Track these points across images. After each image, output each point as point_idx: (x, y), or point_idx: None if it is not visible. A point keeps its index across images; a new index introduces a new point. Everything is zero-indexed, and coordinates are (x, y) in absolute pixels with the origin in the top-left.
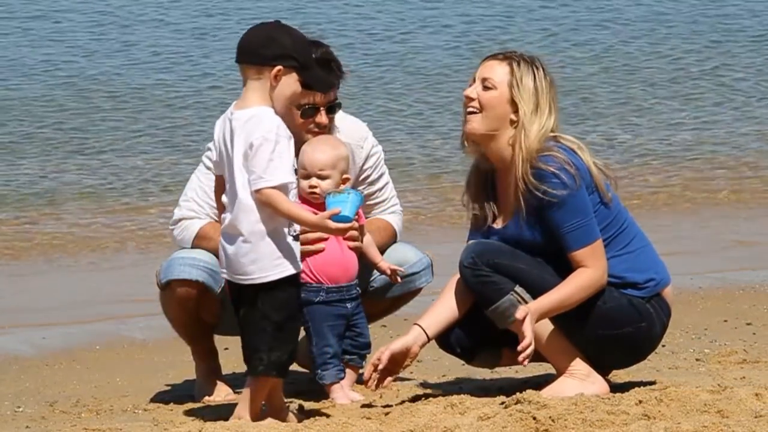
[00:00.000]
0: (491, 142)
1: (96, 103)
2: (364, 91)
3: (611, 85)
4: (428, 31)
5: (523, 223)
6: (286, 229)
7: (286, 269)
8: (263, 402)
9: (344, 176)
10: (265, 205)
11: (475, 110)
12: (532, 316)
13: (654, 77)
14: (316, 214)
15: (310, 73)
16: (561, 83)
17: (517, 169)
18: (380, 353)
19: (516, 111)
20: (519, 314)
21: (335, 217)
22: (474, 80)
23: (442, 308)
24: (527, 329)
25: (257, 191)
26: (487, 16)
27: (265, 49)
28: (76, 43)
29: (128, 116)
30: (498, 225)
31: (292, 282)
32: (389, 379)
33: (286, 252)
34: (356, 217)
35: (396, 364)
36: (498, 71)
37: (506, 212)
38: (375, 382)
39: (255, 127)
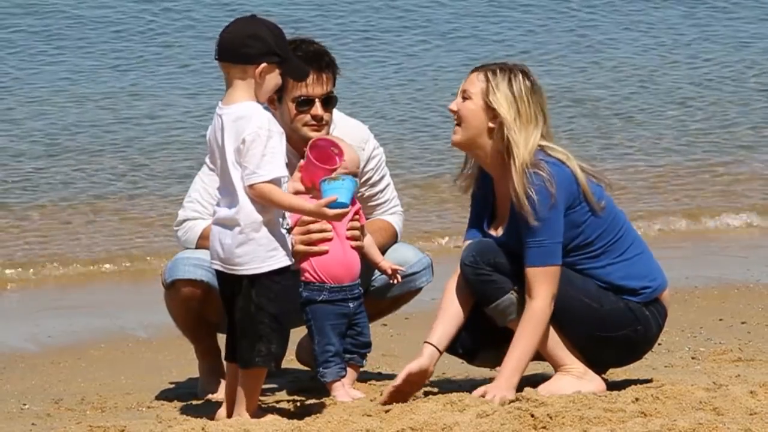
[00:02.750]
0: (476, 151)
1: (98, 107)
2: (364, 92)
3: (617, 94)
4: (434, 34)
5: (517, 233)
6: (280, 221)
7: (279, 261)
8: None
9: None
10: (261, 199)
11: (457, 122)
12: (508, 392)
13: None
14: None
15: (289, 64)
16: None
17: (512, 181)
18: (405, 373)
19: (494, 118)
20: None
21: (332, 204)
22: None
23: (447, 319)
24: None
25: (251, 186)
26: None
27: (248, 48)
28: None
29: (137, 121)
30: (494, 233)
31: (286, 274)
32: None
33: (280, 244)
34: (356, 214)
35: (413, 384)
36: (475, 82)
37: (502, 219)
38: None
39: (246, 123)
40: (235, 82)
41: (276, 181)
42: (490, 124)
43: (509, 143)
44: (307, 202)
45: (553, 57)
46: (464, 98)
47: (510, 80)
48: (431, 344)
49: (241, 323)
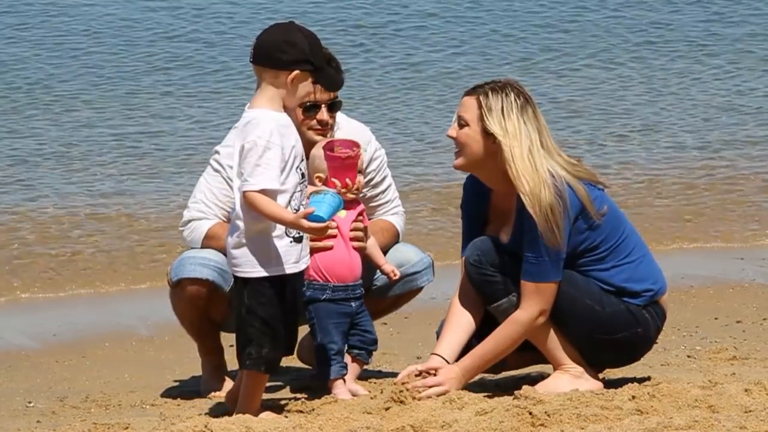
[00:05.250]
0: (480, 172)
1: (103, 109)
2: (367, 95)
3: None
4: (438, 35)
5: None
6: (279, 232)
7: (269, 269)
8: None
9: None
10: (250, 207)
11: (457, 148)
12: (458, 381)
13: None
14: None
15: (322, 73)
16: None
17: (518, 198)
18: (407, 372)
19: (493, 142)
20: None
21: (310, 217)
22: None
23: (454, 332)
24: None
25: (243, 193)
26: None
27: (283, 54)
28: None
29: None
30: (503, 238)
31: (281, 282)
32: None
33: (273, 253)
34: (360, 215)
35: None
36: (469, 107)
37: (499, 226)
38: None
39: (251, 131)
40: (265, 86)
41: (266, 193)
42: (492, 148)
43: (509, 164)
44: (287, 213)
45: (561, 60)
46: (461, 125)
47: (502, 102)
48: (440, 356)
49: (236, 324)
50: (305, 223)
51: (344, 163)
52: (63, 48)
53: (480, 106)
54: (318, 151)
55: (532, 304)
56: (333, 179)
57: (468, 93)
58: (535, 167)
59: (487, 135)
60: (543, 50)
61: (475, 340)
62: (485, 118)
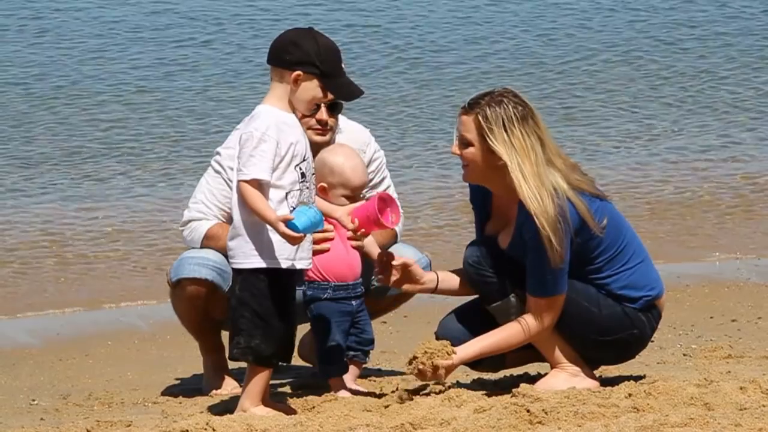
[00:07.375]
0: (488, 184)
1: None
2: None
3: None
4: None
5: (523, 250)
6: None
7: (263, 261)
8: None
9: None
10: (241, 197)
11: (464, 164)
12: (456, 364)
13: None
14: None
15: (332, 81)
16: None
17: (519, 215)
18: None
19: (499, 159)
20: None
21: (289, 224)
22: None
23: (457, 276)
24: (442, 374)
25: (238, 182)
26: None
27: (287, 54)
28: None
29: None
30: (502, 243)
31: (275, 276)
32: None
33: (267, 245)
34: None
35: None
36: (470, 127)
37: (500, 226)
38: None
39: (250, 123)
40: (273, 84)
41: (256, 183)
42: (498, 162)
43: (514, 181)
44: (270, 212)
45: (565, 66)
46: (463, 144)
47: (502, 118)
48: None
49: (230, 315)
50: (281, 226)
51: (378, 223)
52: (78, 51)
53: (480, 126)
54: (328, 157)
55: (545, 316)
56: (356, 218)
57: (466, 111)
58: (541, 183)
59: (492, 153)
60: (550, 52)
61: (463, 335)
62: (488, 139)
